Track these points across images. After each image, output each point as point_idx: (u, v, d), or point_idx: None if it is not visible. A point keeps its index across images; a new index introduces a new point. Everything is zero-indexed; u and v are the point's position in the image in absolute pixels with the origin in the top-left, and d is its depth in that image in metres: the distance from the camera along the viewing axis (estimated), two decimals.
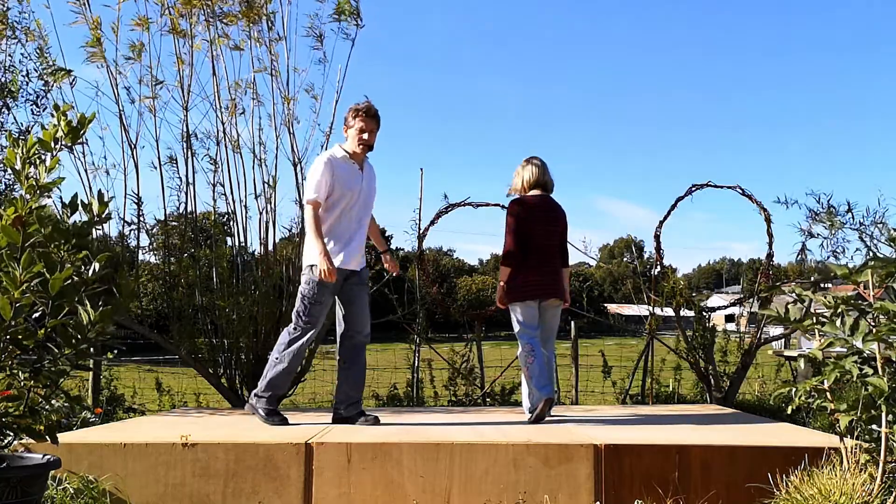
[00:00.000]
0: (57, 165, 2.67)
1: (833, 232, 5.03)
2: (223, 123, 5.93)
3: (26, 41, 5.88)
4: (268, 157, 6.05)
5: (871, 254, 4.82)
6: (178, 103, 5.91)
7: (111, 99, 5.77)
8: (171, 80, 5.90)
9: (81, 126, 2.70)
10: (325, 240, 4.15)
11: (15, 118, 6.07)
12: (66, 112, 2.71)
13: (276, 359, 4.21)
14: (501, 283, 4.53)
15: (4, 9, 5.78)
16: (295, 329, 4.20)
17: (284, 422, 4.14)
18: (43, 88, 6.04)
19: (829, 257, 5.39)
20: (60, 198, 4.86)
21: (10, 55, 6.00)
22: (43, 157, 2.63)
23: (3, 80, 5.95)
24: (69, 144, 2.68)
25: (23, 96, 6.08)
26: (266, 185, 5.99)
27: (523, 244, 4.43)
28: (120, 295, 2.61)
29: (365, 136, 4.25)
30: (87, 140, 5.75)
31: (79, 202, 2.66)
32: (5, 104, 5.98)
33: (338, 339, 4.38)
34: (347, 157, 4.28)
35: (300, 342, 4.19)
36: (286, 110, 5.99)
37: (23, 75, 6.01)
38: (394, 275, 4.99)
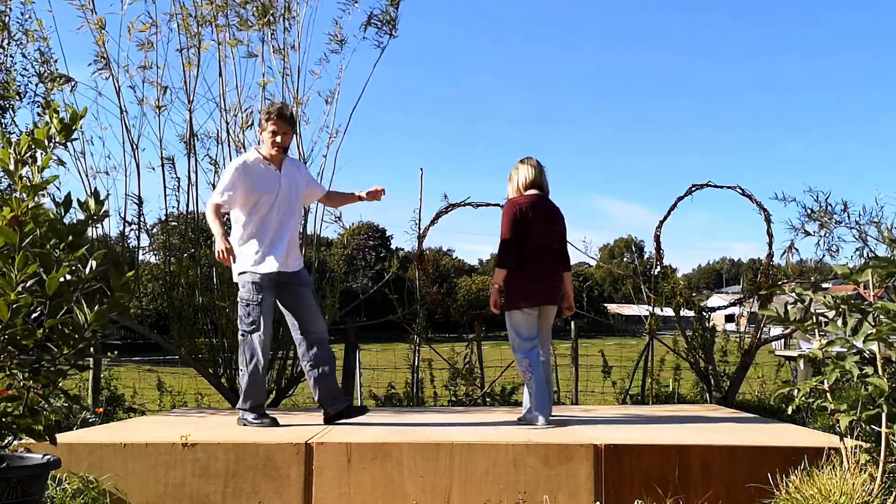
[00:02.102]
0: (51, 164, 2.67)
1: (826, 229, 5.03)
2: (227, 123, 5.93)
3: (27, 42, 5.88)
4: None
5: (866, 253, 4.82)
6: (182, 104, 5.93)
7: (113, 102, 5.78)
8: (176, 81, 5.92)
9: (73, 122, 2.70)
10: (249, 244, 4.20)
11: (14, 120, 6.08)
12: (57, 109, 2.71)
13: (242, 371, 4.25)
14: (496, 286, 4.33)
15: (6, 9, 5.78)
16: (242, 336, 4.22)
17: (275, 422, 4.16)
18: (44, 93, 6.04)
19: (824, 256, 5.39)
20: (53, 197, 4.85)
21: (10, 55, 6.00)
22: (37, 156, 2.63)
23: (2, 79, 5.95)
24: (63, 142, 2.68)
25: (28, 98, 6.09)
26: None
27: (520, 245, 4.27)
28: (113, 292, 2.60)
29: (278, 138, 4.27)
30: (91, 139, 5.76)
31: (73, 201, 2.66)
32: (10, 105, 5.97)
33: (296, 345, 4.39)
34: (262, 160, 4.30)
35: (252, 346, 4.19)
36: (296, 111, 5.99)
37: (22, 76, 6.01)
38: (380, 197, 4.64)
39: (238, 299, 4.24)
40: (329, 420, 4.26)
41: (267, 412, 4.27)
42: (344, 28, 6.00)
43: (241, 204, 4.21)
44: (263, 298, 4.17)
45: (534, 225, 4.29)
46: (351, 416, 4.25)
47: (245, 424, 4.19)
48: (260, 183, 4.21)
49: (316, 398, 4.35)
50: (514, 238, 4.27)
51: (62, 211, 2.64)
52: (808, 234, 5.29)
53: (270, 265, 4.18)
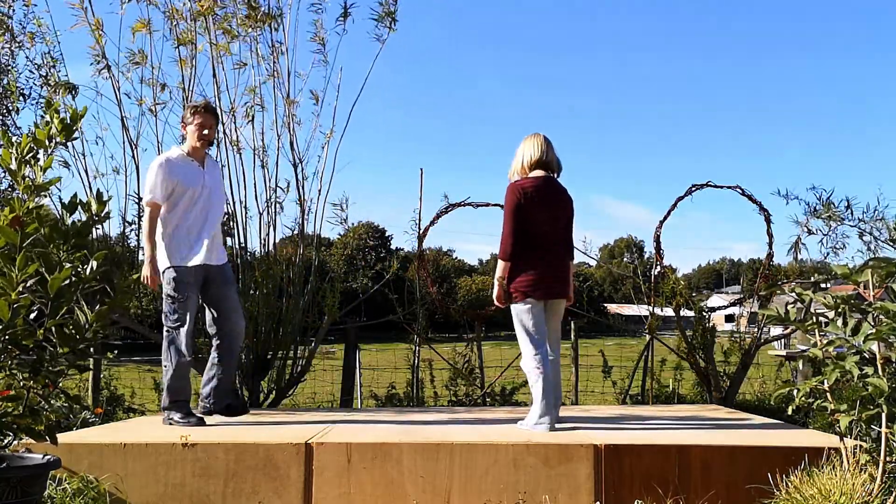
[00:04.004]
0: (53, 164, 2.66)
1: (831, 226, 5.00)
2: (223, 124, 5.94)
3: (29, 45, 5.89)
4: (269, 158, 6.07)
5: (870, 251, 4.80)
6: (179, 104, 5.93)
7: (112, 101, 5.78)
8: (173, 82, 5.92)
9: (74, 122, 2.70)
10: (173, 241, 4.26)
11: (15, 122, 6.08)
12: (58, 109, 2.70)
13: (165, 366, 4.29)
14: (499, 278, 4.02)
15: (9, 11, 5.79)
16: (168, 332, 4.26)
17: (202, 422, 4.18)
18: (46, 95, 6.04)
19: (828, 254, 5.37)
20: (60, 198, 4.86)
21: (13, 57, 6.00)
22: (39, 156, 2.63)
23: (6, 82, 5.96)
24: (63, 141, 2.68)
25: (32, 100, 6.10)
26: (279, 189, 6.01)
27: (524, 233, 3.95)
28: (115, 293, 2.60)
29: (205, 132, 4.38)
30: (97, 140, 5.78)
31: (77, 202, 2.66)
32: (14, 107, 5.98)
33: (212, 340, 4.47)
34: (185, 156, 4.38)
35: (177, 342, 4.24)
36: (288, 112, 6.00)
37: (28, 77, 6.02)
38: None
39: (163, 295, 4.28)
40: (209, 413, 4.36)
41: (193, 411, 4.29)
42: (328, 25, 6.01)
43: (167, 199, 4.28)
44: (188, 295, 4.25)
45: (539, 211, 3.96)
46: (236, 414, 4.36)
47: (171, 424, 4.20)
48: (185, 178, 4.29)
49: (210, 389, 4.44)
50: (517, 227, 3.95)
51: (66, 213, 2.64)
52: (810, 232, 5.27)
53: (194, 258, 4.26)
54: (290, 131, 6.02)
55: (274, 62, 5.94)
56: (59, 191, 5.13)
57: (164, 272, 4.27)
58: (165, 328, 4.26)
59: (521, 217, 3.95)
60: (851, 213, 4.96)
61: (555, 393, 3.99)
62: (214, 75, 5.92)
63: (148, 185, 4.28)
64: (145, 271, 4.15)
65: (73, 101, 5.81)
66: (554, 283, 4.02)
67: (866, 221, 4.81)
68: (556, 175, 4.16)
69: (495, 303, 4.17)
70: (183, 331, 4.22)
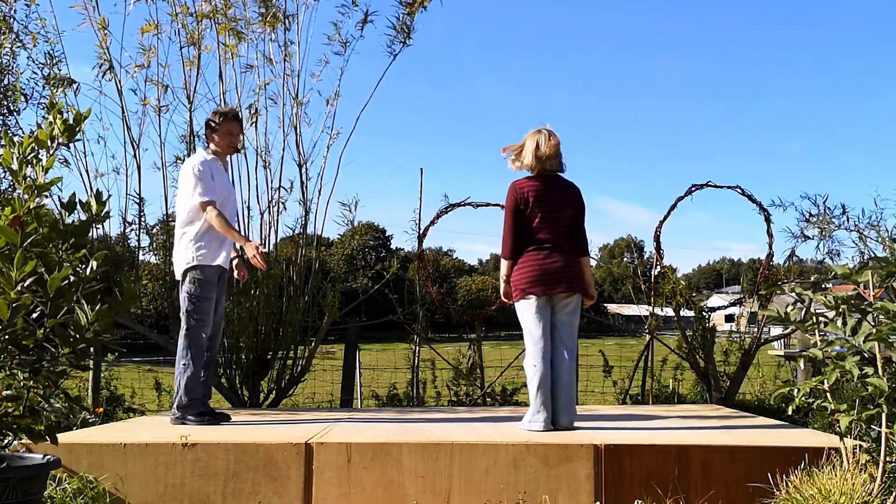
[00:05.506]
0: (54, 165, 2.66)
1: (824, 237, 5.00)
2: None
3: (31, 45, 5.89)
4: (272, 159, 6.08)
5: (867, 256, 4.80)
6: (183, 105, 5.93)
7: (115, 101, 5.78)
8: (177, 82, 5.94)
9: (77, 123, 2.69)
10: (203, 240, 4.27)
11: (17, 122, 6.08)
12: (61, 110, 2.69)
13: (184, 364, 4.25)
14: (503, 276, 4.11)
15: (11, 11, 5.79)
16: (188, 331, 4.25)
17: (217, 419, 4.19)
18: (48, 95, 6.04)
19: (823, 260, 5.38)
20: (59, 198, 4.87)
21: (15, 57, 6.00)
22: (40, 156, 2.62)
23: (7, 82, 5.95)
24: (66, 142, 2.67)
25: (35, 100, 6.10)
26: (282, 189, 6.02)
27: (524, 232, 4.00)
28: (121, 296, 2.60)
29: (234, 139, 4.46)
30: (98, 139, 5.78)
31: (77, 202, 2.65)
32: (15, 108, 5.98)
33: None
34: (216, 159, 4.43)
35: (198, 341, 4.25)
36: (295, 112, 6.00)
37: (31, 77, 6.01)
38: (241, 282, 4.91)
39: (185, 294, 4.27)
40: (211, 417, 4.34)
41: (205, 410, 4.27)
42: (344, 28, 6.01)
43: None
44: (212, 295, 4.28)
45: (537, 210, 3.98)
46: (223, 421, 4.31)
47: (184, 424, 4.17)
48: (220, 180, 4.37)
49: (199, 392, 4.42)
50: (516, 226, 4.01)
51: (65, 213, 2.63)
52: (807, 238, 5.27)
53: (218, 259, 4.30)
54: (296, 131, 6.04)
55: (284, 62, 5.95)
56: (60, 191, 5.12)
57: (189, 270, 4.26)
58: (186, 327, 4.25)
59: (518, 216, 4.02)
60: (847, 219, 4.95)
61: (566, 392, 3.94)
62: (220, 77, 5.93)
63: (201, 185, 4.25)
64: (251, 251, 4.16)
65: (76, 97, 5.82)
66: (555, 279, 3.96)
67: (861, 227, 4.80)
68: (560, 172, 4.10)
69: (503, 299, 4.25)
70: (204, 330, 4.25)
